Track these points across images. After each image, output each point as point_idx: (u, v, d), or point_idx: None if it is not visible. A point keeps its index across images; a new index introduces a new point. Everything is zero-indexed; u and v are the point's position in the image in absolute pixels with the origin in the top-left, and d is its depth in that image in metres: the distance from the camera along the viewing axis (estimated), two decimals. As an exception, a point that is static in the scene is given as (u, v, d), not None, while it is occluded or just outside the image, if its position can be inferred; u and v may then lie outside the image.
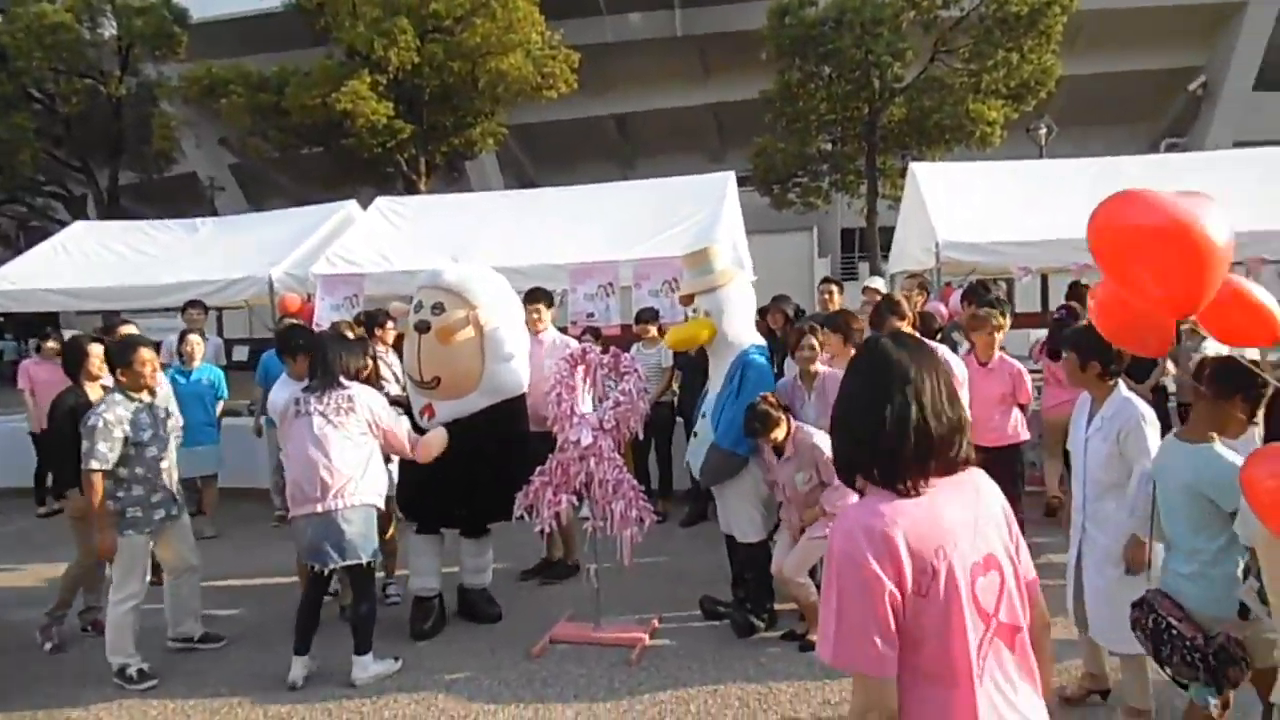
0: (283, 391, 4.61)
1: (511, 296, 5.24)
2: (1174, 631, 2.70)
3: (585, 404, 4.89)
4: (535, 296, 6.00)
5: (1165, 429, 4.52)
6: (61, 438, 4.70)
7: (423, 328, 4.78)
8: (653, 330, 7.15)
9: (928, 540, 1.56)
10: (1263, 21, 25.99)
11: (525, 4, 19.64)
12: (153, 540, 4.53)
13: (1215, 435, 2.83)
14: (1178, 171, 9.44)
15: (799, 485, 4.37)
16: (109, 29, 22.65)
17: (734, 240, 8.05)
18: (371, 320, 6.68)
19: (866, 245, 22.25)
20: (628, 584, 5.08)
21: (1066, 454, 5.54)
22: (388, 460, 5.12)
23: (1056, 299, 8.80)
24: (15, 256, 11.41)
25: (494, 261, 6.47)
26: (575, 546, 5.76)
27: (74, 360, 4.96)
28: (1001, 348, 5.58)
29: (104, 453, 4.24)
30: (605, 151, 31.35)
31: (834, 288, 7.05)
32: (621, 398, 4.71)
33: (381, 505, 4.48)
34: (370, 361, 5.56)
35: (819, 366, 4.69)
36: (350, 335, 6.09)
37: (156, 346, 5.34)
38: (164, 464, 4.55)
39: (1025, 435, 5.57)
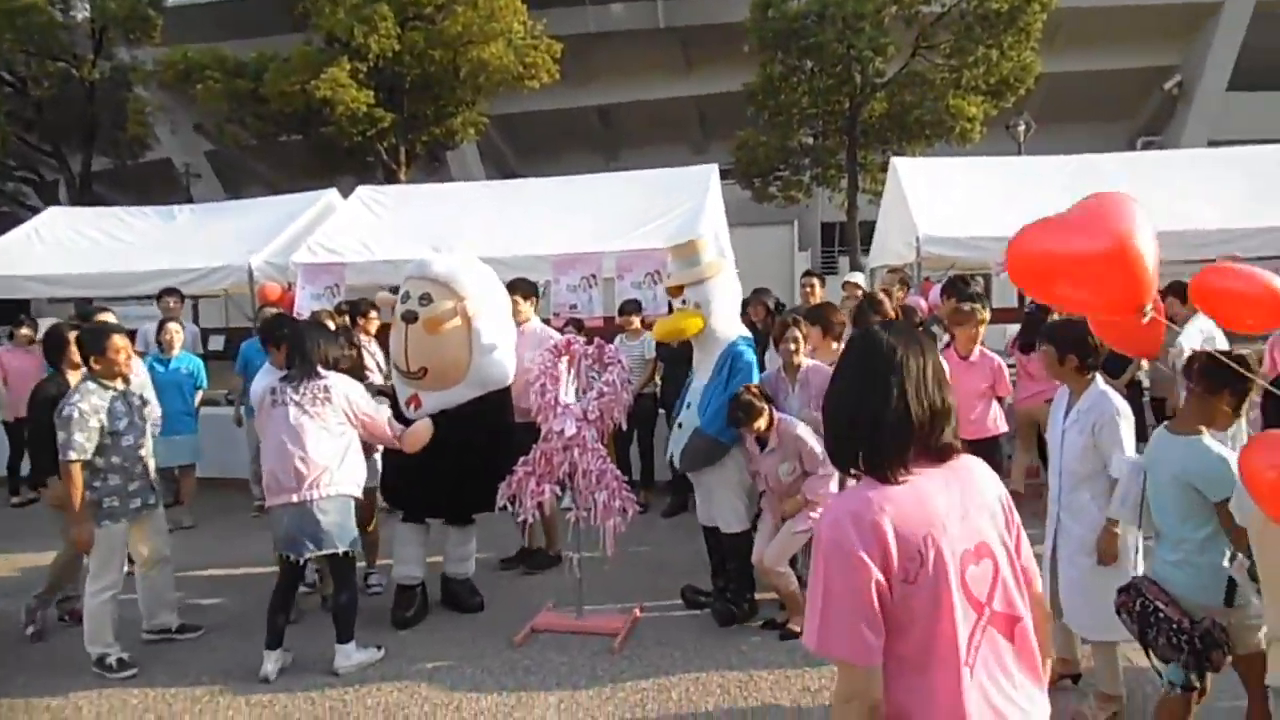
0: (265, 381, 4.60)
1: (499, 288, 5.24)
2: (1160, 615, 2.78)
3: (569, 395, 4.91)
4: (514, 287, 5.99)
5: (1140, 423, 4.64)
6: (41, 426, 4.65)
7: (410, 318, 4.77)
8: (636, 322, 7.18)
9: (915, 527, 1.56)
10: (1238, 22, 26.33)
11: (507, -8, 19.53)
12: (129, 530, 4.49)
13: (1204, 428, 2.90)
14: (1154, 170, 9.62)
15: (782, 476, 4.42)
16: (82, 11, 22.22)
17: (716, 233, 8.09)
18: (355, 310, 6.64)
19: (846, 239, 22.34)
20: (609, 574, 5.11)
21: (1042, 445, 5.65)
22: (372, 451, 5.12)
23: (1033, 294, 8.90)
24: (-14, 242, 11.21)
25: (476, 252, 6.43)
26: (557, 537, 5.78)
27: (55, 348, 4.91)
28: (981, 342, 5.66)
29: (80, 443, 4.20)
30: (587, 143, 31.25)
31: (816, 281, 7.11)
32: (605, 388, 4.74)
33: (359, 495, 4.46)
34: (355, 351, 5.55)
35: (803, 359, 4.73)
36: (331, 325, 6.07)
37: (132, 335, 5.30)
38: (141, 452, 4.52)
39: (1004, 428, 5.66)
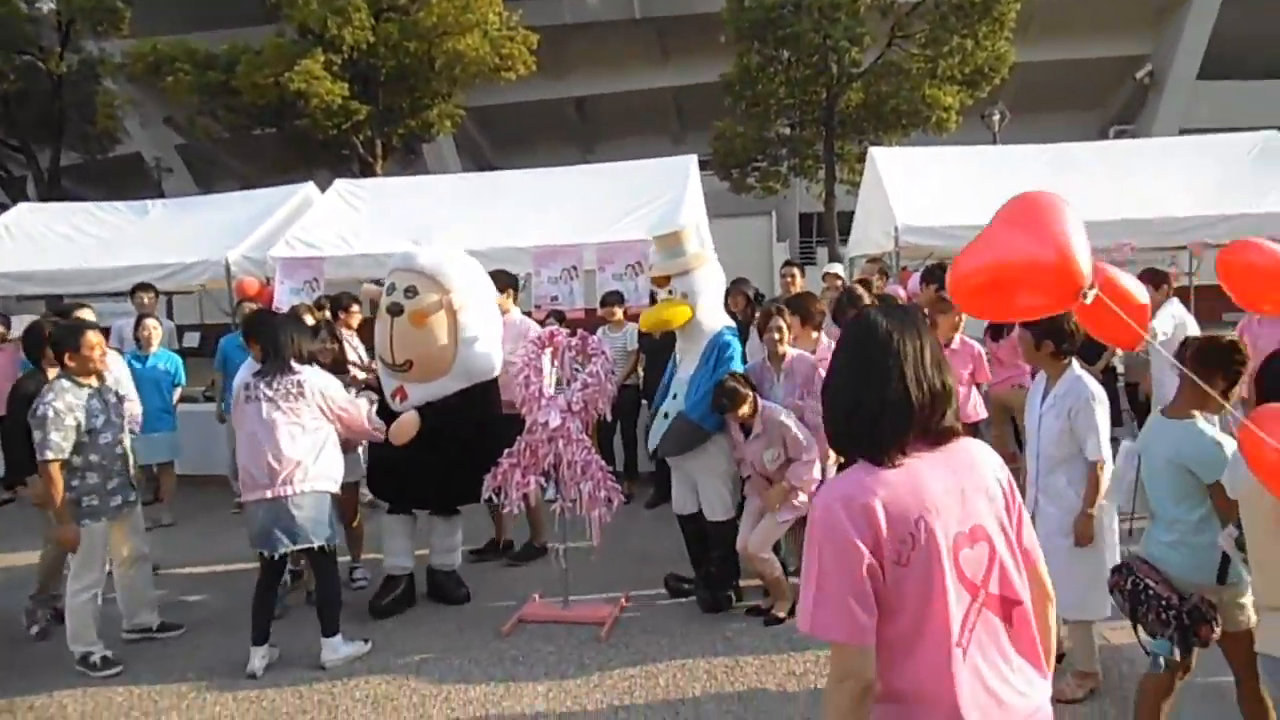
0: (248, 376, 4.57)
1: (484, 280, 5.24)
2: (1151, 592, 2.85)
3: (549, 386, 4.92)
4: (492, 279, 5.98)
5: (1114, 408, 4.73)
6: (18, 425, 4.60)
7: (396, 310, 4.76)
8: (618, 313, 7.19)
9: (907, 510, 1.57)
10: (1207, 11, 26.69)
11: (482, -17, 19.39)
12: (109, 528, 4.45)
13: (1197, 412, 2.97)
14: (1127, 158, 9.76)
15: (767, 462, 4.47)
16: (47, 3, 21.78)
17: (697, 223, 8.11)
18: (336, 304, 6.61)
19: (825, 230, 22.47)
20: (595, 564, 5.14)
21: (1016, 431, 5.75)
22: (354, 446, 5.10)
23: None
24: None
25: (457, 245, 6.44)
26: (542, 528, 5.80)
27: (36, 345, 4.85)
28: (961, 329, 5.73)
29: (57, 442, 4.16)
30: (564, 134, 31.15)
31: (796, 271, 7.15)
32: (590, 380, 4.75)
33: (336, 490, 4.43)
34: (336, 345, 5.54)
35: (787, 348, 4.77)
36: (310, 319, 6.04)
37: (106, 332, 5.25)
38: (119, 450, 4.48)
39: (983, 414, 5.75)
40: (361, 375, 5.76)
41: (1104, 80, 28.54)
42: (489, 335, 5.12)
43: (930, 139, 19.49)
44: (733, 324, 4.99)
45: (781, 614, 4.56)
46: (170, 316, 11.22)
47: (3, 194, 23.68)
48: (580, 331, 5.04)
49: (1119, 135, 25.36)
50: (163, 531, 6.65)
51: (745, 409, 4.41)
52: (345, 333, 6.74)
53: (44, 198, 19.26)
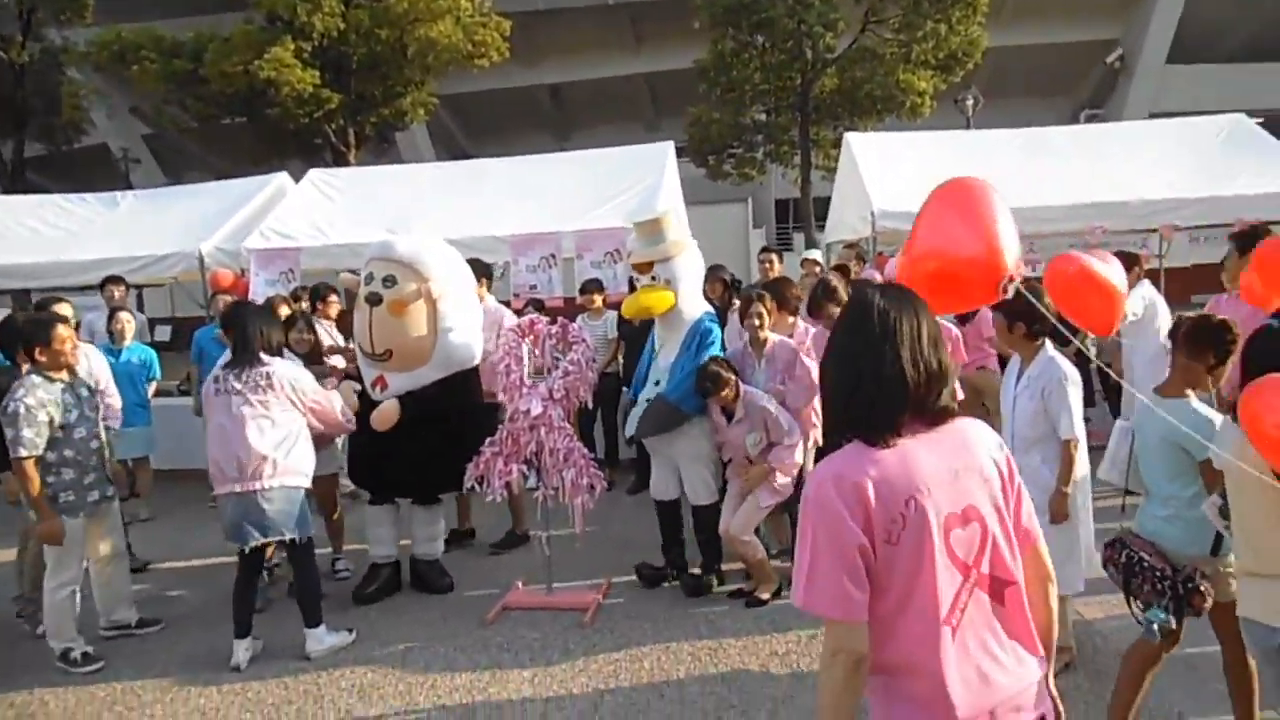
0: (218, 369, 4.52)
1: (464, 269, 5.22)
2: (1145, 564, 2.94)
3: (527, 375, 4.93)
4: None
5: (1087, 389, 4.81)
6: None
7: (375, 300, 4.74)
8: (598, 301, 7.20)
9: (898, 490, 1.60)
10: (1176, -5, 26.99)
11: (453, -32, 19.19)
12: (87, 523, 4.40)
13: (1190, 391, 3.03)
14: (1099, 141, 9.86)
15: (750, 446, 4.51)
16: (7, -9, 21.34)
17: (675, 210, 8.12)
18: (315, 294, 6.56)
19: (801, 216, 22.54)
20: (577, 551, 5.16)
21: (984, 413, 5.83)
22: (329, 440, 5.05)
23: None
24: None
25: (433, 234, 6.41)
26: (524, 517, 5.82)
27: (11, 341, 4.76)
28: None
29: (30, 438, 4.10)
30: (538, 122, 30.96)
31: (774, 257, 7.19)
32: (571, 367, 4.76)
33: (307, 485, 4.38)
34: (312, 336, 5.50)
35: (768, 334, 4.80)
36: (286, 310, 6.00)
37: (77, 326, 5.17)
38: (94, 444, 4.43)
39: (961, 395, 5.82)
40: (342, 364, 5.74)
41: (1075, 65, 28.78)
42: (468, 323, 5.11)
43: (905, 124, 19.59)
44: (712, 310, 5.02)
45: (764, 596, 4.62)
46: (141, 309, 11.06)
47: (-35, 187, 23.20)
48: (560, 319, 5.04)
49: (1090, 119, 25.62)
50: (141, 527, 6.59)
51: (728, 393, 4.45)
52: (325, 323, 6.71)
53: (8, 190, 18.86)
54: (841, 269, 7.05)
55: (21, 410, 4.09)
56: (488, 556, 5.71)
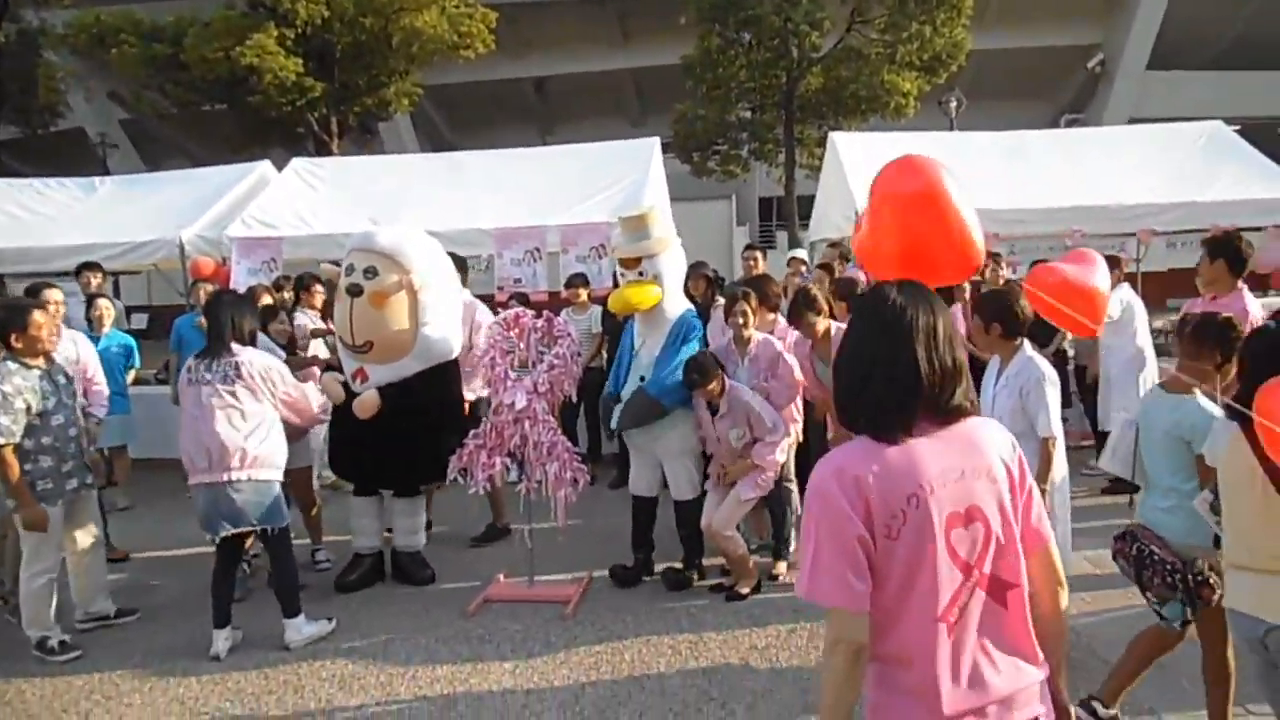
0: (191, 358, 4.48)
1: (445, 261, 5.21)
2: (1155, 557, 3.00)
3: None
4: None
5: (1064, 390, 4.89)
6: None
7: (355, 291, 4.73)
8: (583, 295, 7.20)
9: (899, 487, 1.61)
10: (1157, 2, 27.27)
11: (440, -42, 19.08)
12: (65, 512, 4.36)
13: (1195, 389, 3.07)
14: (1079, 146, 9.98)
15: (733, 441, 4.54)
16: (-16, -29, 20.97)
17: (660, 206, 8.14)
18: (299, 284, 6.54)
19: (784, 214, 22.65)
20: (559, 545, 5.17)
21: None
22: (303, 433, 5.00)
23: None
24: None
25: (417, 226, 6.39)
26: (504, 509, 5.83)
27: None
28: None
29: (7, 426, 4.04)
30: (523, 115, 30.87)
31: (758, 254, 7.22)
32: (556, 361, 4.77)
33: (278, 476, 4.33)
34: (289, 327, 5.48)
35: (752, 332, 4.82)
36: (269, 300, 5.97)
37: (68, 319, 5.10)
38: (72, 431, 4.38)
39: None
40: (326, 353, 5.71)
41: (1057, 69, 29.09)
42: (449, 315, 5.11)
43: (888, 124, 19.72)
44: (693, 308, 5.05)
45: (744, 591, 4.66)
46: (118, 297, 10.92)
47: (-63, 169, 22.79)
48: (545, 313, 5.05)
49: (1070, 124, 25.87)
50: (119, 516, 6.53)
51: (714, 386, 4.48)
52: (310, 312, 6.69)
53: (-17, 173, 18.55)
54: (825, 267, 7.10)
55: None
56: (469, 549, 5.71)
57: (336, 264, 5.20)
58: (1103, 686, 3.21)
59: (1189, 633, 3.06)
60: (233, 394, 4.16)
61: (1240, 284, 4.72)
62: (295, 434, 4.67)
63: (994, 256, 7.03)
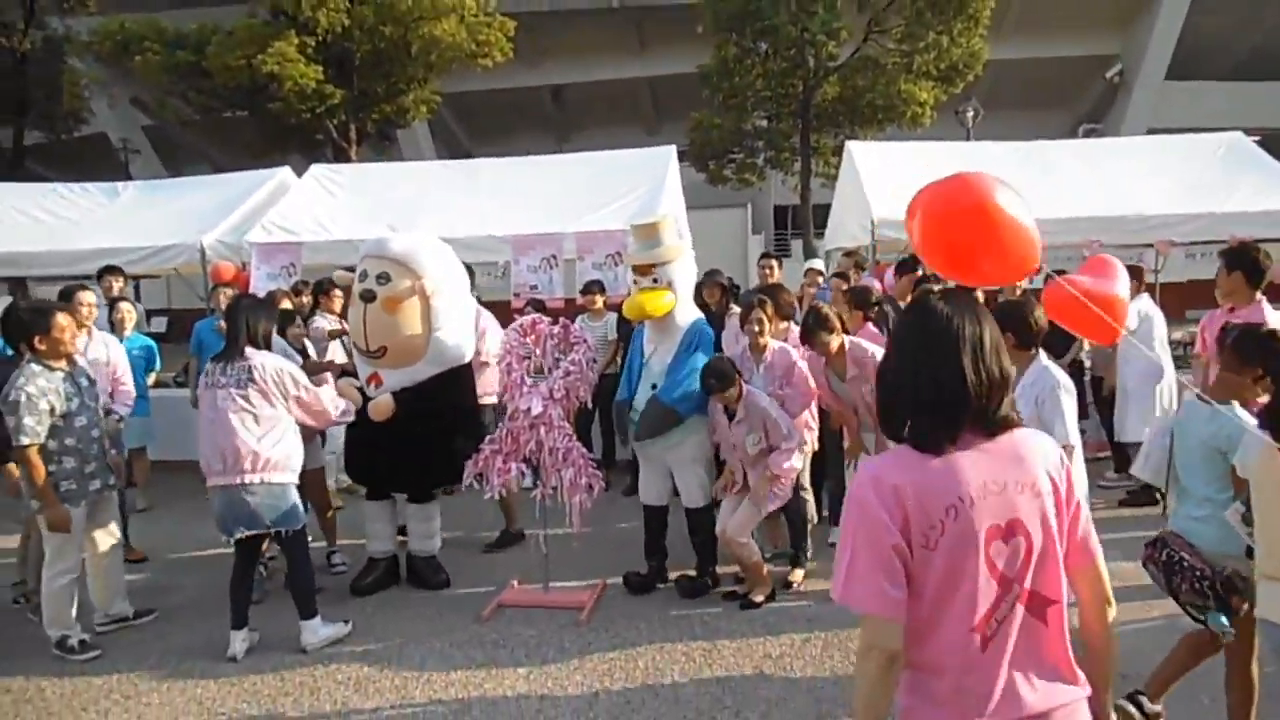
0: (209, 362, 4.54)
1: (458, 266, 5.25)
2: (1185, 564, 2.99)
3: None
4: None
5: (1080, 400, 4.86)
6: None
7: (368, 297, 4.77)
8: (599, 302, 7.24)
9: (938, 498, 1.60)
10: (1176, 12, 27.13)
11: (459, -32, 19.24)
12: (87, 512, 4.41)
13: (1234, 400, 3.04)
14: (1098, 156, 9.94)
15: (749, 447, 4.55)
16: (11, -21, 21.29)
17: (676, 215, 8.17)
18: (318, 288, 6.61)
19: (799, 222, 22.60)
20: (573, 551, 5.19)
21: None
22: (314, 434, 5.03)
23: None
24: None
25: (435, 233, 6.44)
26: (516, 515, 5.85)
27: (12, 330, 4.75)
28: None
29: (32, 426, 4.10)
30: (540, 123, 31.00)
31: (774, 263, 7.25)
32: (571, 367, 4.79)
33: (293, 479, 4.36)
34: (304, 331, 5.54)
35: (768, 340, 4.83)
36: (288, 305, 6.04)
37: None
38: (94, 433, 4.42)
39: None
40: (343, 358, 5.76)
41: (1074, 79, 28.95)
42: (463, 320, 5.15)
43: (905, 134, 19.68)
44: (703, 316, 5.07)
45: (758, 599, 4.65)
46: (138, 300, 11.04)
47: (-36, 173, 23.10)
48: (562, 320, 5.08)
49: (1088, 134, 25.76)
50: (138, 518, 6.60)
51: (732, 391, 4.49)
52: (330, 316, 6.76)
53: (7, 178, 18.74)
54: (841, 276, 7.10)
55: (22, 399, 4.09)
56: (483, 555, 5.74)
57: (351, 270, 5.25)
58: (1145, 686, 3.21)
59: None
60: (246, 398, 4.19)
61: (1259, 296, 4.68)
62: (306, 435, 4.70)
63: None
